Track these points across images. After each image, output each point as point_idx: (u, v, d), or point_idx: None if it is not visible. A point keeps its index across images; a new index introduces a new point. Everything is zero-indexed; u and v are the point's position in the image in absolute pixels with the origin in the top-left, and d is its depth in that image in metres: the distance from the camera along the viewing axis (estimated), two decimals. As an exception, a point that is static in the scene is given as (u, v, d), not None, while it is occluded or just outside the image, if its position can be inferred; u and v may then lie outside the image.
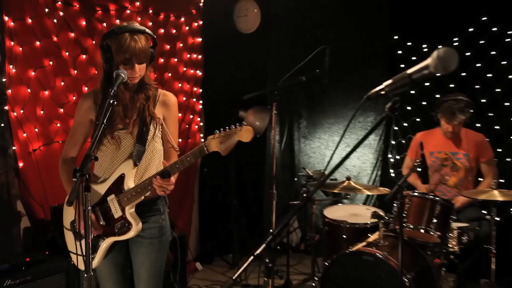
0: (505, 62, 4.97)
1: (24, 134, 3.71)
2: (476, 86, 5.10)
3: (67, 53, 4.00)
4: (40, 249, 3.63)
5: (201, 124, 5.35)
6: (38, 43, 3.80)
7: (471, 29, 5.11)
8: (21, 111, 3.70)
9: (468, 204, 4.38)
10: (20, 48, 3.69)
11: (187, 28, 5.05)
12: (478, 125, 4.87)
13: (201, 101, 5.32)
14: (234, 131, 2.42)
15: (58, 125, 3.96)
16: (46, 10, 3.83)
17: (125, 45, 2.46)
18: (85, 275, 2.21)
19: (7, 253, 3.54)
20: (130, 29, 2.53)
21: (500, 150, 4.91)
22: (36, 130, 3.81)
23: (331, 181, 4.41)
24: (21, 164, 3.68)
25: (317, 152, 6.24)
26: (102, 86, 2.59)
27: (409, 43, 5.42)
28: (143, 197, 2.57)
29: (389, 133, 5.74)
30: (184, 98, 5.06)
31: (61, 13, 3.94)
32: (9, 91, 3.60)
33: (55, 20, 3.90)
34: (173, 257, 4.07)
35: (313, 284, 4.28)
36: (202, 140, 5.32)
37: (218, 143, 2.43)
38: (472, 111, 4.34)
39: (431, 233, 3.77)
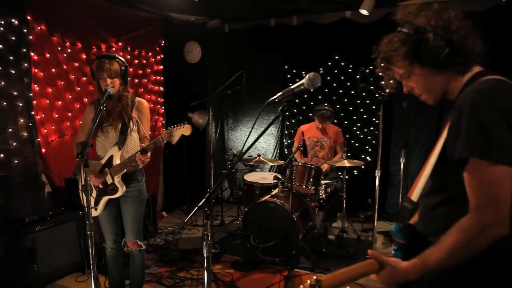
0: (349, 83, 5.26)
1: (45, 130, 3.71)
2: (333, 97, 5.35)
3: (73, 76, 3.97)
4: (58, 206, 3.62)
5: (163, 122, 5.33)
6: (53, 70, 3.77)
7: (329, 63, 5.33)
8: (43, 115, 3.69)
9: (330, 169, 4.61)
10: (41, 73, 3.66)
11: (153, 59, 5.04)
12: (335, 121, 5.13)
13: (163, 107, 5.29)
14: (179, 127, 2.44)
15: (68, 124, 3.94)
16: (59, 48, 3.82)
17: (100, 65, 2.47)
18: (87, 222, 2.27)
19: (37, 209, 3.56)
20: (104, 55, 2.57)
21: (348, 136, 5.18)
22: (53, 127, 3.80)
23: (248, 157, 4.51)
24: (43, 150, 3.67)
25: (239, 139, 6.29)
26: (98, 97, 2.58)
27: (294, 71, 5.54)
28: (125, 170, 2.59)
29: (283, 126, 5.83)
30: (152, 105, 5.03)
31: (69, 50, 3.92)
32: (34, 102, 3.59)
33: (65, 55, 3.88)
34: (148, 209, 4.06)
35: (238, 223, 4.31)
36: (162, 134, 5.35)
37: (168, 135, 2.44)
38: (332, 117, 4.59)
39: (309, 187, 3.96)
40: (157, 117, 5.22)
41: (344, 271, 1.18)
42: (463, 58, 1.20)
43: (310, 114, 4.77)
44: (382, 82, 1.38)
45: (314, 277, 1.08)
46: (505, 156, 1.06)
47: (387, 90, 1.41)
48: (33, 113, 3.58)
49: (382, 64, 1.32)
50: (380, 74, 1.36)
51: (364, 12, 4.25)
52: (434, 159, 1.23)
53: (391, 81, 1.36)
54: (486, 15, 4.17)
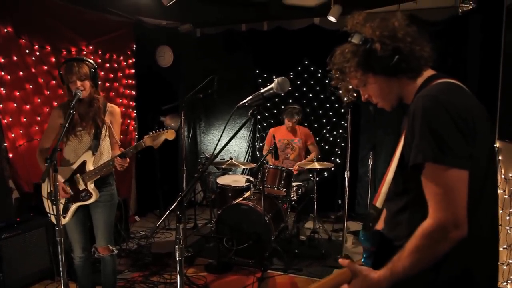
0: (318, 88, 5.33)
1: (13, 135, 3.58)
2: (304, 101, 5.40)
3: (42, 80, 3.85)
4: (26, 212, 3.51)
5: (135, 126, 5.26)
6: (21, 73, 3.65)
7: (299, 68, 5.38)
8: (10, 119, 3.56)
9: (301, 171, 4.58)
10: (8, 76, 3.54)
11: (124, 63, 4.96)
12: (305, 124, 5.13)
13: (135, 111, 5.22)
14: (162, 132, 2.48)
15: (37, 128, 3.82)
16: (27, 51, 3.70)
17: (68, 68, 2.43)
18: (57, 228, 2.20)
19: (4, 215, 3.41)
20: (73, 58, 2.52)
21: (318, 138, 5.23)
22: (21, 131, 3.68)
23: (221, 160, 4.46)
24: (11, 155, 3.54)
25: (212, 142, 6.25)
26: (68, 100, 2.52)
27: (265, 75, 5.57)
28: (99, 176, 2.56)
29: (255, 130, 5.85)
30: (124, 109, 4.97)
31: (37, 53, 3.80)
32: (1, 105, 3.47)
33: (33, 58, 3.75)
34: (120, 213, 3.94)
35: (211, 226, 4.28)
36: (137, 136, 5.25)
37: (152, 140, 2.46)
38: (301, 114, 4.61)
39: (280, 189, 3.99)
40: (129, 121, 5.15)
41: (319, 284, 1.17)
42: (413, 64, 1.22)
43: (280, 117, 4.81)
44: (340, 92, 1.39)
45: None
46: (458, 159, 1.07)
47: (345, 99, 1.42)
48: (-1, 117, 3.47)
49: (337, 75, 1.33)
50: (339, 85, 1.37)
51: (332, 19, 4.34)
52: (394, 164, 1.24)
53: (349, 90, 1.38)
54: (444, 24, 4.38)
